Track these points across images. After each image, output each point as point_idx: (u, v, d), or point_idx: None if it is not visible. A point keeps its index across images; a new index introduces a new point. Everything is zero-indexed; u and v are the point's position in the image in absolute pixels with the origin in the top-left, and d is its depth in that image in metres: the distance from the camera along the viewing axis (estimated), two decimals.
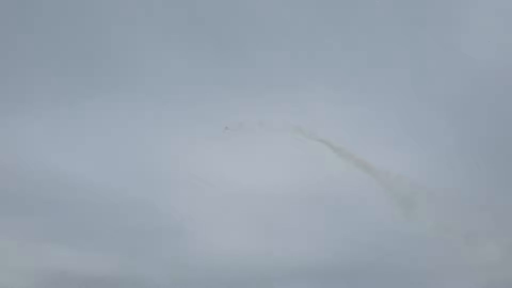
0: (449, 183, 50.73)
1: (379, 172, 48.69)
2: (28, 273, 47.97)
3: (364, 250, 50.12)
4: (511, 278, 46.98)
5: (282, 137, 49.84)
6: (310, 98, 54.88)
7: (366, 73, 57.17)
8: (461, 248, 48.85)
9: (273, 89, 54.81)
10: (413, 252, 49.45)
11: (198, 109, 53.64)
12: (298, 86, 55.79)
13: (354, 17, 58.34)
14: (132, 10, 56.47)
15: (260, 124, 49.80)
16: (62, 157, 52.58)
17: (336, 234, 51.30)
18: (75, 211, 51.45)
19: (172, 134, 53.06)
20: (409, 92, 56.55)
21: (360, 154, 49.26)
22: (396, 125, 55.35)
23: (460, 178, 51.65)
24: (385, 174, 48.71)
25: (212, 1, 58.22)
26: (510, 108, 55.99)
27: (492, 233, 48.37)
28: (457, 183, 50.83)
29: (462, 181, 51.33)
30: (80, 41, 55.51)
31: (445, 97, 55.69)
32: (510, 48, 58.31)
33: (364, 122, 55.22)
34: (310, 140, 49.97)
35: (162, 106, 54.43)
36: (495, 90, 57.16)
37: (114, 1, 57.23)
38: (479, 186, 50.60)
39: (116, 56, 56.05)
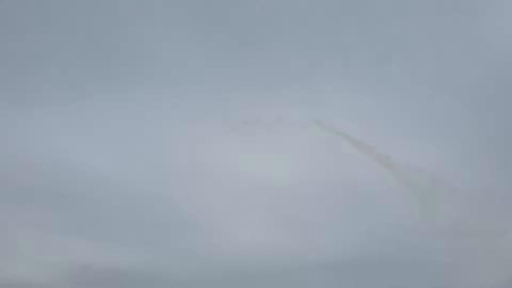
0: (471, 178, 50.00)
1: (399, 166, 48.16)
2: (50, 266, 49.04)
3: (382, 243, 50.01)
4: None
5: (299, 130, 49.54)
6: (327, 90, 54.16)
7: (384, 64, 55.99)
8: (481, 243, 48.50)
9: (291, 81, 54.19)
10: (431, 245, 49.18)
11: (215, 102, 53.36)
12: (315, 78, 55.07)
13: (371, 8, 56.94)
14: (149, 1, 55.90)
15: (278, 117, 49.51)
16: (80, 150, 52.96)
17: (354, 227, 51.27)
18: (95, 205, 52.06)
19: (189, 127, 52.94)
20: (430, 83, 55.36)
21: (379, 147, 48.78)
22: (417, 117, 54.42)
23: (483, 173, 50.84)
24: (405, 167, 48.17)
25: None
26: None
27: None
28: (480, 178, 50.06)
29: (486, 175, 50.52)
30: (97, 33, 55.20)
31: (468, 88, 54.28)
32: None
33: (383, 114, 54.36)
34: (328, 133, 49.58)
35: (179, 98, 54.21)
36: None
37: None
38: (504, 181, 49.81)
39: (133, 48, 55.68)
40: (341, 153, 49.99)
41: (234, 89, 53.38)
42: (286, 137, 50.55)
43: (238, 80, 53.91)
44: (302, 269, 50.29)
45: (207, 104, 53.27)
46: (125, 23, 55.88)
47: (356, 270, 49.82)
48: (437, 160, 50.83)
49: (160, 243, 51.45)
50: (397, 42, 56.65)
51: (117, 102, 54.13)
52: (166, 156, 54.09)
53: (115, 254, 49.86)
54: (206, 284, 49.18)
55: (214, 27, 56.73)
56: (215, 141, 52.30)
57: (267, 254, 50.95)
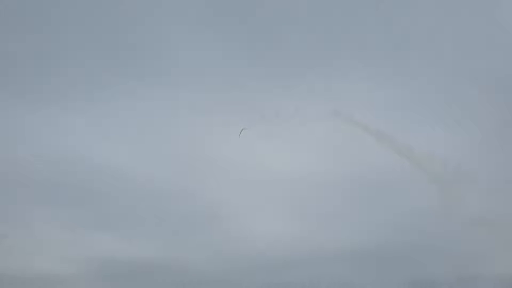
0: (492, 166, 49.32)
1: (420, 156, 47.59)
2: (75, 260, 50.10)
3: (402, 232, 49.59)
4: None
5: (317, 121, 49.15)
6: (346, 80, 53.66)
7: (403, 52, 55.24)
8: (502, 232, 47.87)
9: (308, 73, 53.83)
10: (452, 234, 48.76)
11: (232, 95, 53.35)
12: (332, 68, 54.60)
13: None
14: None
15: (296, 109, 49.18)
16: (100, 147, 53.82)
17: (374, 217, 51.07)
18: (117, 200, 52.96)
19: (207, 121, 53.22)
20: (450, 70, 54.40)
21: (400, 137, 48.17)
22: (437, 104, 53.59)
23: (504, 161, 50.04)
24: (427, 157, 47.58)
25: None
26: None
27: None
28: (501, 166, 49.31)
29: (507, 164, 49.72)
30: (113, 31, 55.58)
31: (488, 75, 53.15)
32: None
33: (403, 103, 53.75)
34: (347, 124, 49.11)
35: (197, 93, 54.44)
36: None
37: None
38: None
39: (150, 44, 56.10)
40: (360, 143, 49.59)
41: (251, 82, 53.34)
42: (304, 129, 50.20)
43: (255, 73, 53.84)
44: (322, 259, 50.38)
45: (224, 98, 53.37)
46: (141, 21, 56.26)
47: (375, 260, 49.80)
48: (458, 149, 50.19)
49: (181, 236, 52.20)
50: (415, 29, 55.78)
51: (136, 99, 54.70)
52: (185, 151, 54.61)
53: (138, 247, 50.77)
54: (226, 275, 49.75)
55: (230, 19, 56.57)
56: (234, 135, 52.43)
57: (286, 245, 51.22)
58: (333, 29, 55.78)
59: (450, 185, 47.88)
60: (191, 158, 54.27)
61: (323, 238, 50.91)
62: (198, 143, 54.01)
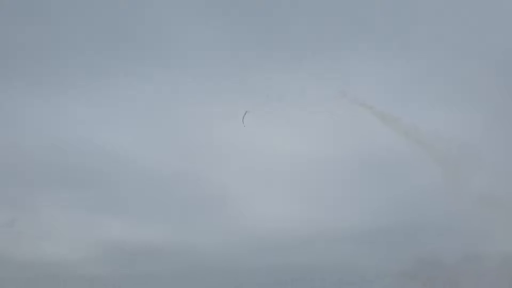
0: (498, 145, 49.27)
1: (427, 136, 47.51)
2: (84, 244, 50.62)
3: (409, 211, 49.71)
4: None
5: (323, 103, 48.90)
6: (352, 60, 53.24)
7: (408, 31, 54.66)
8: (507, 210, 48.00)
9: (312, 55, 53.36)
10: (458, 212, 48.90)
11: (236, 79, 52.93)
12: (337, 49, 54.12)
13: None
14: None
15: (301, 91, 48.94)
16: (106, 132, 53.78)
17: (381, 197, 51.23)
18: (124, 184, 53.24)
19: (211, 105, 52.92)
20: (455, 48, 53.86)
21: (407, 118, 47.94)
22: (444, 83, 53.20)
23: (510, 137, 49.94)
24: (433, 137, 47.51)
25: None
26: None
27: None
28: (507, 145, 49.24)
29: None
30: (116, 17, 55.04)
31: (495, 53, 52.65)
32: None
33: (409, 83, 53.47)
34: (353, 105, 48.87)
35: (200, 77, 54.02)
36: None
37: None
38: None
39: (151, 30, 55.54)
40: (366, 125, 49.44)
41: (255, 65, 52.93)
42: (309, 111, 49.99)
43: (258, 56, 53.41)
44: (327, 240, 50.73)
45: (228, 82, 53.01)
46: (141, 5, 55.58)
47: (380, 240, 50.05)
48: (463, 128, 50.09)
49: (187, 219, 52.56)
50: (420, 7, 55.13)
51: (139, 84, 54.34)
52: (190, 134, 54.59)
53: (145, 231, 51.16)
54: (232, 257, 50.23)
55: (232, 2, 55.86)
56: (237, 117, 52.23)
57: (292, 226, 51.45)
58: (338, 10, 55.17)
59: (454, 164, 47.92)
60: (195, 141, 54.31)
61: (328, 219, 51.21)
62: (201, 126, 53.96)
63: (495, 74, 52.01)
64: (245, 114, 46.49)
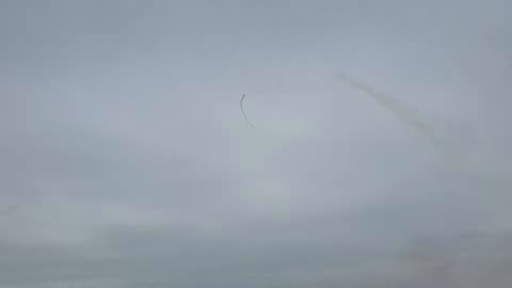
0: (496, 125, 49.46)
1: (425, 117, 47.45)
2: (86, 228, 50.90)
3: (408, 191, 49.87)
4: None
5: (322, 85, 48.58)
6: (350, 39, 52.69)
7: (407, 9, 54.08)
8: (504, 189, 48.38)
9: (310, 37, 52.89)
10: (457, 193, 49.23)
11: (235, 62, 52.38)
12: (335, 30, 53.58)
13: None
14: None
15: (300, 73, 48.58)
16: (105, 117, 53.60)
17: (380, 177, 51.47)
18: (125, 168, 53.30)
19: (211, 89, 52.72)
20: (454, 26, 53.16)
21: (406, 99, 47.71)
22: (443, 63, 52.65)
23: (508, 120, 50.13)
24: (430, 117, 47.47)
25: None
26: None
27: None
28: (505, 125, 49.45)
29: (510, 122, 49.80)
30: (114, 1, 54.11)
31: (494, 30, 51.83)
32: None
33: (408, 63, 53.08)
34: (351, 87, 48.63)
35: (199, 60, 53.65)
36: None
37: None
38: None
39: (150, 13, 54.77)
40: (365, 106, 49.32)
41: (254, 49, 52.46)
42: (309, 93, 49.74)
43: (258, 40, 52.82)
44: (327, 220, 51.12)
45: (228, 65, 52.54)
46: None
47: (379, 219, 50.54)
48: (463, 108, 50.12)
49: (189, 202, 52.83)
50: None
51: (139, 69, 53.89)
52: (189, 118, 54.32)
53: (146, 214, 51.43)
54: (233, 236, 50.64)
55: None
56: (237, 101, 51.95)
57: (291, 207, 51.86)
58: None
59: (452, 144, 48.13)
60: (195, 125, 54.21)
61: (328, 200, 51.59)
62: (202, 110, 53.80)
63: (495, 52, 51.75)
64: (242, 97, 46.24)
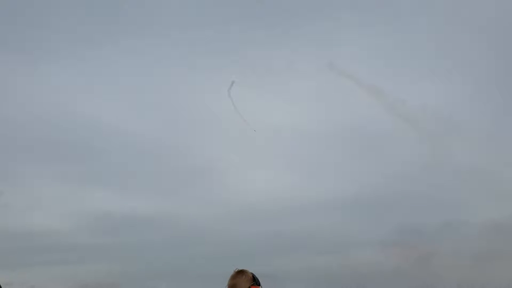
0: (483, 115, 49.72)
1: (413, 110, 47.65)
2: (70, 215, 50.90)
3: (394, 182, 50.27)
4: None
5: (310, 75, 48.59)
6: (339, 33, 52.54)
7: (396, 3, 53.84)
8: (489, 180, 48.92)
9: (299, 26, 52.59)
10: (443, 184, 49.76)
11: (223, 51, 52.23)
12: (323, 20, 53.23)
13: None
14: None
15: (288, 63, 48.49)
16: (92, 103, 53.15)
17: (367, 167, 51.82)
18: (111, 156, 53.19)
19: (199, 77, 52.51)
20: (445, 18, 53.13)
21: (394, 90, 47.85)
22: (434, 55, 52.77)
23: (495, 112, 50.43)
24: (418, 109, 47.71)
25: None
26: None
27: None
28: (492, 115, 49.70)
29: (499, 114, 50.10)
30: None
31: (481, 20, 51.79)
32: None
33: (397, 54, 53.04)
34: (339, 77, 48.62)
35: (187, 48, 53.43)
36: None
37: None
38: None
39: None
40: (353, 97, 49.45)
41: (242, 38, 52.22)
42: (297, 83, 49.77)
43: (245, 29, 52.45)
44: (314, 209, 51.45)
45: (215, 54, 52.29)
46: None
47: (365, 209, 51.03)
48: (451, 101, 50.40)
49: (176, 190, 53.02)
50: None
51: (124, 55, 53.48)
52: (177, 106, 54.13)
53: (133, 202, 51.37)
54: (221, 226, 50.94)
55: None
56: (225, 91, 51.84)
57: (280, 196, 52.12)
58: None
59: (438, 137, 48.52)
60: (182, 112, 54.06)
61: (315, 189, 51.87)
62: (190, 98, 53.54)
63: (485, 44, 51.83)
64: (232, 84, 46.01)
